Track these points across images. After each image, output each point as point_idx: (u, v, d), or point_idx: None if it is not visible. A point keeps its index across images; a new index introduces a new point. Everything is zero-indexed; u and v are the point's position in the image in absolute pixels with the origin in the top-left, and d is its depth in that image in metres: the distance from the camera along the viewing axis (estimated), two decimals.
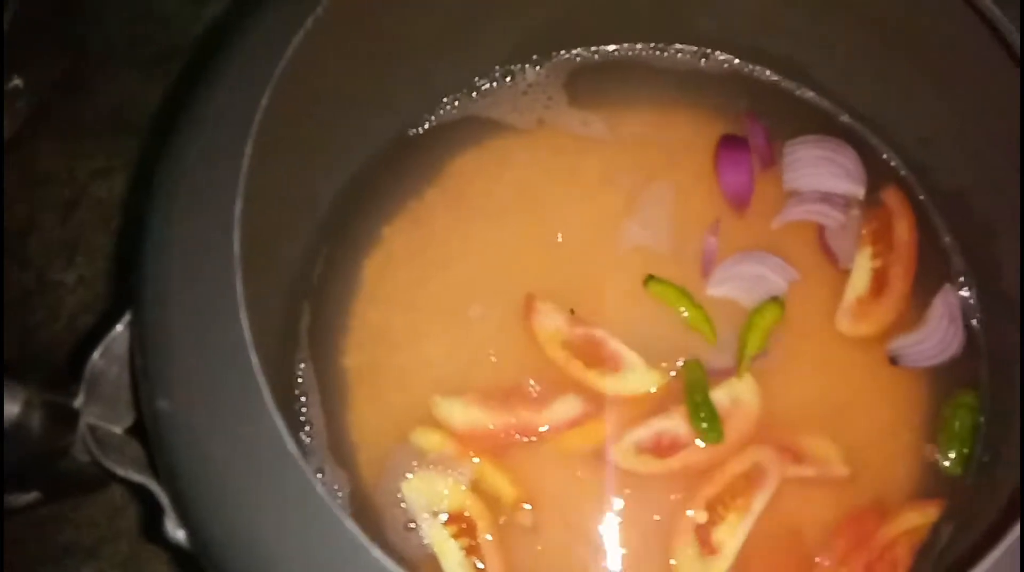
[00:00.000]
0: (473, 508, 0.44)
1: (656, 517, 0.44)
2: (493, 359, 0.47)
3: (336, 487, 0.46)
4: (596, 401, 0.46)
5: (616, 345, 0.46)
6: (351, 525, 0.29)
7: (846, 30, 0.48)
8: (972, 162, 0.46)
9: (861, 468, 0.45)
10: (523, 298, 0.48)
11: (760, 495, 0.43)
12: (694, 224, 0.49)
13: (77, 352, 0.46)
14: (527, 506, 0.44)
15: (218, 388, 0.32)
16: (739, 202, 0.49)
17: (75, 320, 0.61)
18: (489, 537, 0.43)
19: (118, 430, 0.37)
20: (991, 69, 0.40)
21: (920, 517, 0.44)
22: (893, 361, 0.46)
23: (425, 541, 0.43)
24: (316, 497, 0.29)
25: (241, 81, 0.36)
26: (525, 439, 0.45)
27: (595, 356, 0.46)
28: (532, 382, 0.46)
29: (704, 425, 0.44)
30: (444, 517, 0.44)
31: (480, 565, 0.43)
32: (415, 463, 0.45)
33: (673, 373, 0.46)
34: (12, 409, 0.32)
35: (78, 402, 0.35)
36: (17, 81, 0.66)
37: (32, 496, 0.36)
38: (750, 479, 0.43)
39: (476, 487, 0.44)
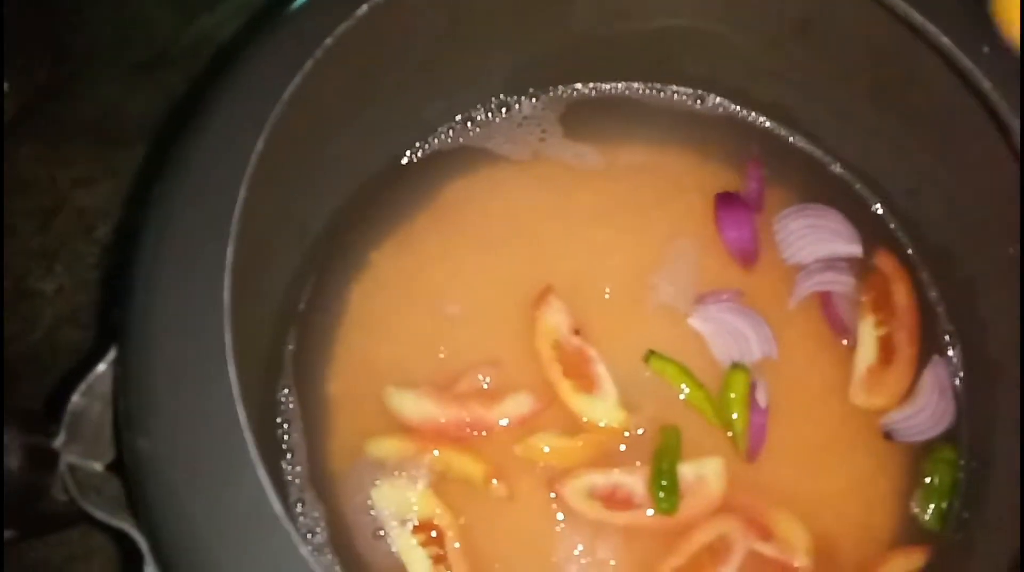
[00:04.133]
0: (442, 516, 0.44)
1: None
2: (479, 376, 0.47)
3: (316, 515, 0.45)
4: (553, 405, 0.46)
5: (602, 370, 0.47)
6: None
7: (833, 80, 0.48)
8: (957, 217, 0.47)
9: (838, 520, 0.45)
10: (512, 324, 0.48)
11: (725, 569, 0.43)
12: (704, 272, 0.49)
13: (56, 389, 0.45)
14: (495, 481, 0.44)
15: (202, 437, 0.31)
16: (745, 258, 0.49)
17: (53, 332, 0.59)
18: (457, 545, 0.44)
19: (99, 467, 0.36)
20: (973, 127, 0.40)
21: (906, 563, 0.44)
22: (888, 436, 0.46)
23: (393, 549, 0.44)
24: (301, 560, 0.29)
25: (237, 122, 0.35)
26: (476, 433, 0.45)
27: (577, 370, 0.47)
28: (483, 377, 0.47)
29: (661, 494, 0.44)
30: (412, 525, 0.44)
31: None
32: (378, 474, 0.45)
33: (641, 431, 0.46)
34: None
35: (58, 442, 0.34)
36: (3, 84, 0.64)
37: (7, 534, 0.35)
38: (715, 552, 0.43)
39: (445, 477, 0.45)
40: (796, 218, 0.50)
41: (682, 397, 0.46)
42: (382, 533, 0.44)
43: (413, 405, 0.46)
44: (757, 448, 0.46)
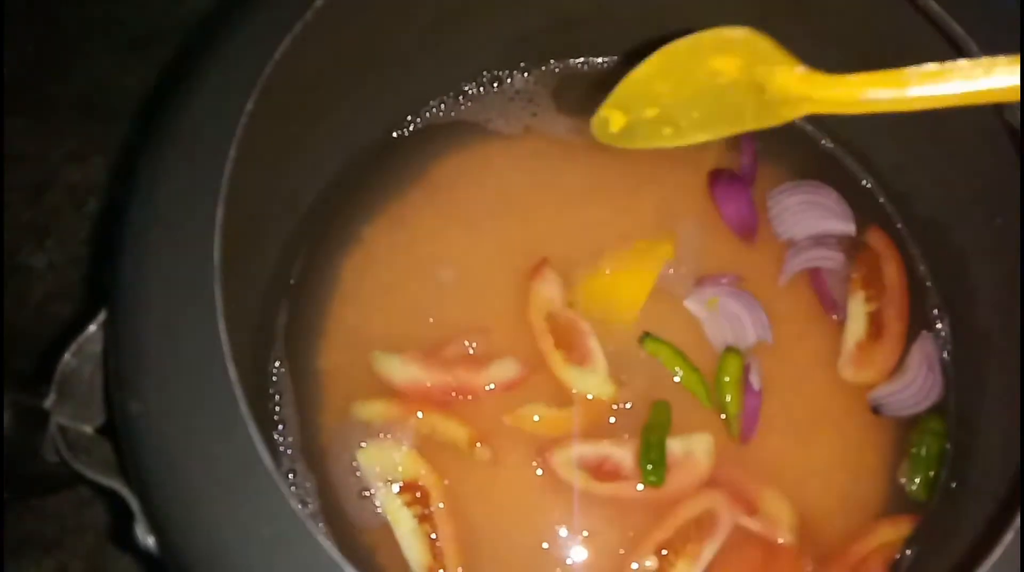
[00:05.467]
0: (427, 477, 0.44)
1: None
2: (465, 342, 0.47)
3: (308, 485, 0.45)
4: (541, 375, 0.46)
5: (593, 343, 0.47)
6: (327, 544, 0.29)
7: (823, 53, 0.47)
8: (945, 189, 0.47)
9: (826, 492, 0.45)
10: (502, 296, 0.48)
11: (711, 543, 0.43)
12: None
13: (47, 352, 0.45)
14: (479, 445, 0.45)
15: (193, 395, 0.31)
16: (746, 233, 0.50)
17: (44, 307, 0.59)
18: (442, 505, 0.44)
19: (89, 430, 0.36)
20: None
21: (893, 532, 0.44)
22: (875, 410, 0.47)
23: (379, 509, 0.44)
24: (291, 513, 0.29)
25: (226, 84, 0.35)
26: (461, 397, 0.46)
27: (569, 342, 0.47)
28: (469, 343, 0.47)
29: (649, 466, 0.44)
30: (398, 486, 0.44)
31: (433, 536, 0.43)
32: (364, 436, 0.45)
33: (629, 405, 0.46)
34: None
35: (48, 403, 0.34)
36: None
37: None
38: (701, 526, 0.44)
39: (431, 440, 0.45)
40: (791, 194, 0.50)
41: (676, 380, 0.46)
42: (367, 493, 0.45)
43: (400, 368, 0.46)
44: (750, 431, 0.46)
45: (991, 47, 0.36)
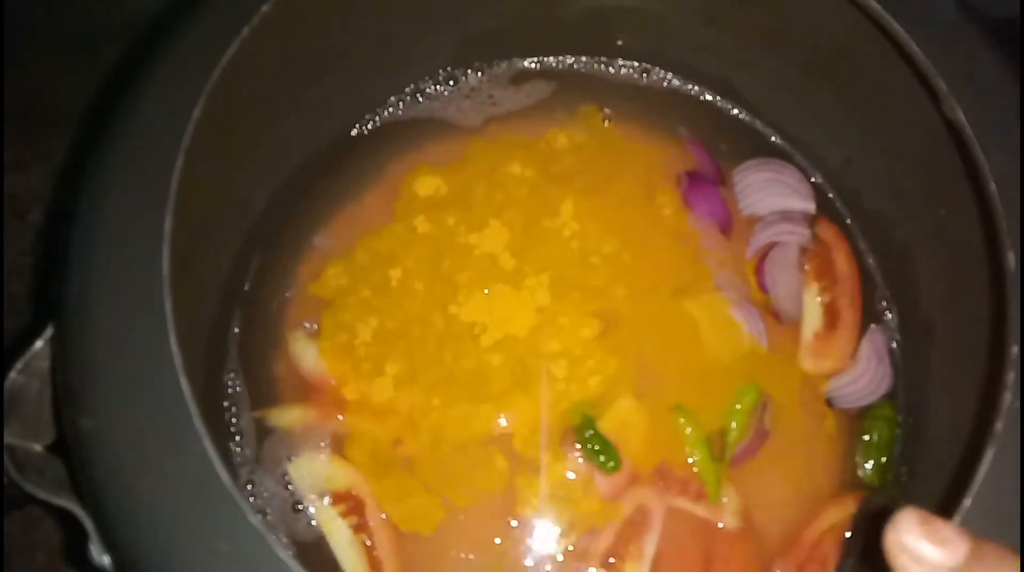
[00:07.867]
0: (361, 486, 0.44)
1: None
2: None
3: (266, 495, 0.45)
4: None
5: None
6: (286, 556, 0.28)
7: (770, 54, 0.49)
8: (890, 184, 0.48)
9: (782, 479, 0.46)
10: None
11: (649, 536, 0.43)
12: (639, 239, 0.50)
13: None
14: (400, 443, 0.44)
15: (145, 410, 0.31)
16: (724, 227, 0.50)
17: None
18: (384, 516, 0.43)
19: (38, 448, 0.35)
20: (903, 95, 0.41)
21: (840, 511, 0.45)
22: (829, 403, 0.48)
23: (312, 522, 0.43)
24: (250, 527, 0.29)
25: (173, 90, 0.34)
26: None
27: None
28: None
29: (602, 458, 0.44)
30: (330, 496, 0.44)
31: (368, 542, 0.43)
32: (293, 447, 0.45)
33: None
34: None
35: None
36: None
37: None
38: (636, 524, 0.44)
39: (354, 441, 0.44)
40: (756, 171, 0.51)
41: (689, 460, 0.45)
42: (301, 507, 0.44)
43: (312, 359, 0.46)
44: (741, 460, 0.46)
45: (931, 47, 0.37)
